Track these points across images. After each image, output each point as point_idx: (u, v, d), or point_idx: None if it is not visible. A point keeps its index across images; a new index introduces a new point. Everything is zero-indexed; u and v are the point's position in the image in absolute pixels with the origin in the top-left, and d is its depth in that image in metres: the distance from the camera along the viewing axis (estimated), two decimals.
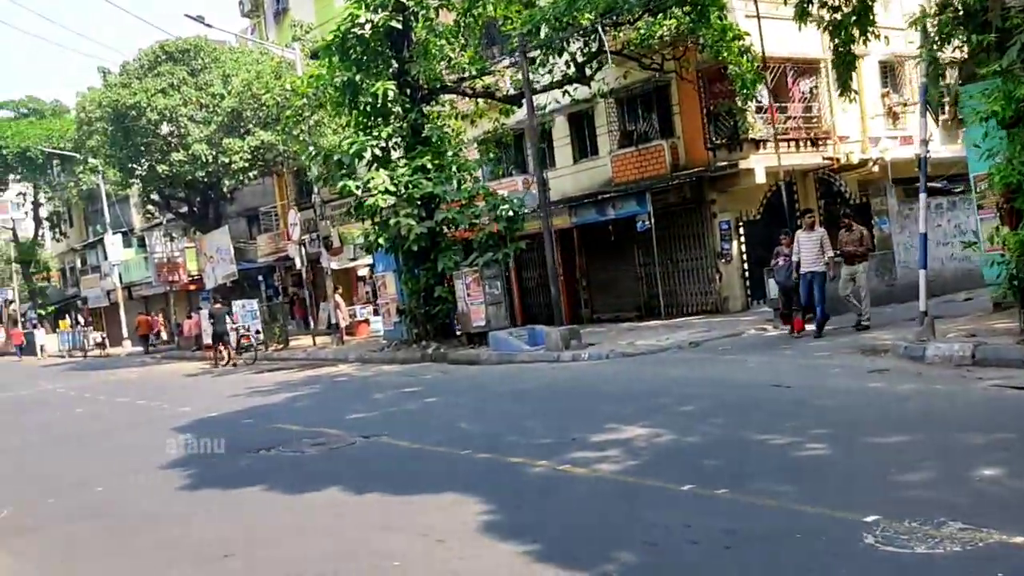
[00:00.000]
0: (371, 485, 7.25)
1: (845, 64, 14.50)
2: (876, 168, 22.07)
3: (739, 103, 19.57)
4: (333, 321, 25.82)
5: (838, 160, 21.43)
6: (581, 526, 5.53)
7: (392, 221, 18.32)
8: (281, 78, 26.29)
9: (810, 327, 14.09)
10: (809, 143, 21.13)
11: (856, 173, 21.77)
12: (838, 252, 14.38)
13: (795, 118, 20.64)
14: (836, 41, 14.44)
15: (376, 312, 28.53)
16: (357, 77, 18.24)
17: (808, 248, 14.06)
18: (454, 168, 18.61)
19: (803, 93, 21.14)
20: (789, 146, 20.80)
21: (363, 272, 32.32)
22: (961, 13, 9.40)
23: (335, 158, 19.45)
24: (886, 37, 15.54)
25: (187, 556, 6.00)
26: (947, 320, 13.61)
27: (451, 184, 18.51)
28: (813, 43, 21.16)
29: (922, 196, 11.42)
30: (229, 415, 13.08)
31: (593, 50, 19.80)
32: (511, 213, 18.12)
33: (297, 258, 25.70)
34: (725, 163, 20.05)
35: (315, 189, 25.69)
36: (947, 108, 15.31)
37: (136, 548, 6.41)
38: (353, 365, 19.88)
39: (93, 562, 6.21)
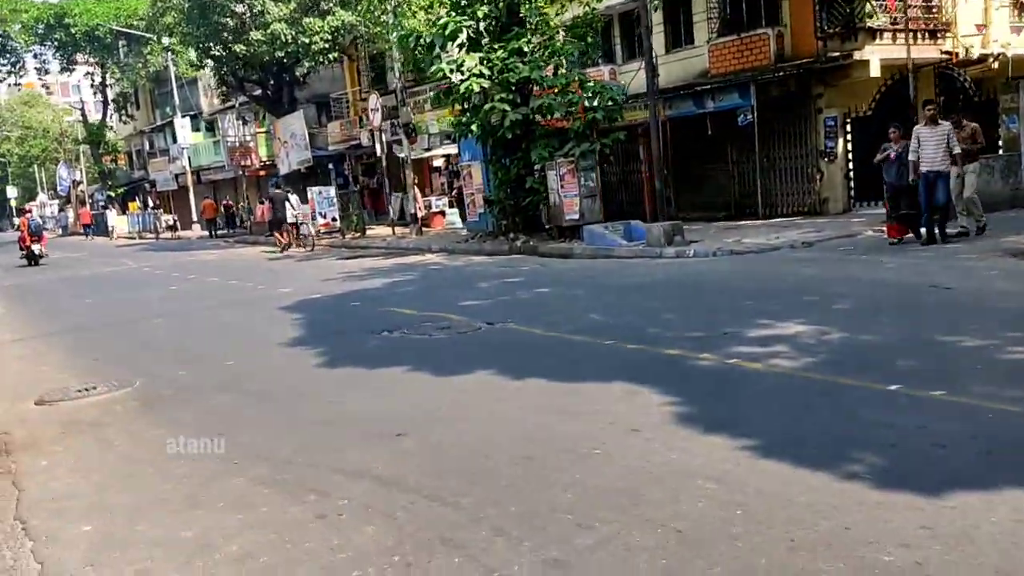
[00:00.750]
0: (524, 370, 6.87)
1: None
2: (996, 64, 20.64)
3: None
4: (412, 211, 25.45)
5: (956, 55, 20.03)
6: (793, 423, 5.09)
7: (486, 106, 17.60)
8: None
9: (909, 234, 13.04)
10: (927, 35, 19.73)
11: (976, 69, 20.34)
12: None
13: (914, 7, 19.20)
14: None
15: (452, 204, 28.15)
16: None
17: (932, 144, 12.64)
18: (551, 52, 17.70)
19: None
20: (907, 37, 19.46)
21: (438, 163, 31.75)
22: None
23: (426, 39, 18.66)
24: None
25: (355, 434, 5.72)
26: None
27: (547, 69, 17.64)
28: None
29: None
30: (333, 297, 12.87)
31: None
32: (611, 101, 17.27)
33: (377, 145, 25.18)
34: (837, 53, 18.80)
35: (396, 74, 24.94)
36: None
37: (298, 422, 6.15)
38: (439, 255, 19.55)
39: (259, 433, 5.95)
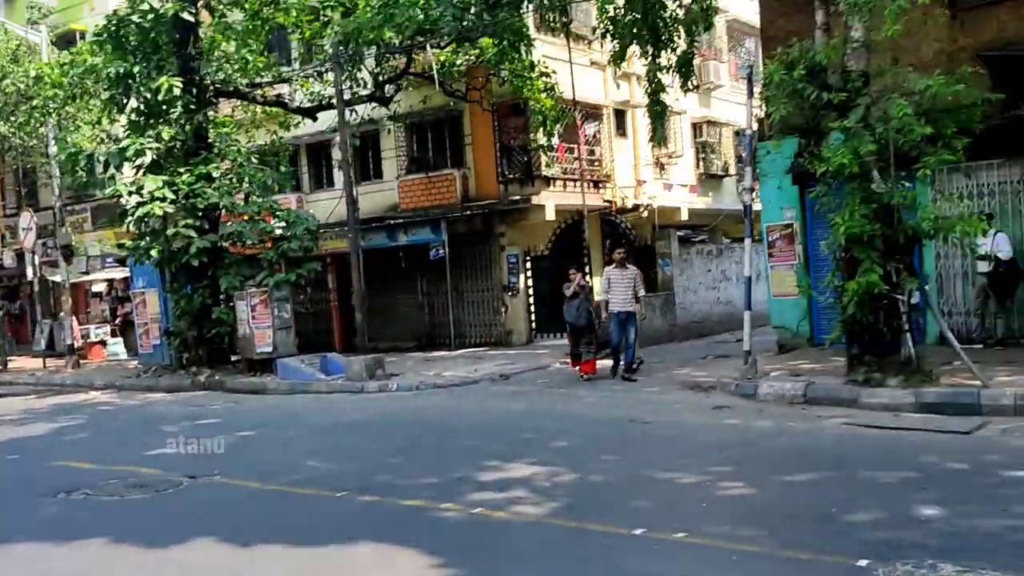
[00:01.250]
0: (252, 534, 6.16)
1: (658, 113, 15.12)
2: (645, 213, 23.42)
3: (534, 139, 19.94)
4: (67, 341, 22.76)
5: (615, 203, 22.46)
6: None
7: (169, 232, 16.45)
8: (19, 62, 23.02)
9: (602, 365, 13.74)
10: (592, 185, 21.95)
11: (632, 216, 22.89)
12: None
13: (581, 159, 21.34)
14: (649, 88, 15.05)
15: (115, 333, 25.68)
16: (135, 69, 16.27)
17: (622, 286, 13.43)
18: (244, 179, 17.11)
19: (587, 136, 21.93)
20: (576, 186, 21.49)
21: (99, 287, 28.96)
22: (804, 73, 10.01)
23: (99, 158, 17.22)
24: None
25: None
26: (738, 359, 14.51)
27: (237, 196, 16.97)
28: (598, 90, 22.22)
29: (747, 241, 12.04)
30: None
31: (398, 71, 19.28)
32: (306, 231, 16.96)
33: (30, 268, 22.43)
34: (518, 197, 20.25)
35: (56, 191, 22.61)
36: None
37: None
38: (107, 392, 17.53)
39: None
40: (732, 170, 27.38)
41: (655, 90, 14.88)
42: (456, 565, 5.24)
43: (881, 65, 10.37)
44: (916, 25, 9.80)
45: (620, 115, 23.43)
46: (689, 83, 13.96)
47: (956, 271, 13.00)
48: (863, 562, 4.82)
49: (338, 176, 24.07)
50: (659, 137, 15.83)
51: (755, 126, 12.57)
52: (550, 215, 20.34)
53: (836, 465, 7.16)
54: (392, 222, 20.92)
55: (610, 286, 13.41)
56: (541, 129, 19.28)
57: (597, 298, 13.69)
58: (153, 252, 16.79)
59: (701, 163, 26.53)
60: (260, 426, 11.41)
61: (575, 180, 21.34)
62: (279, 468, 8.55)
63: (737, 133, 27.58)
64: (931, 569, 4.66)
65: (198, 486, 8.00)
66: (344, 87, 19.22)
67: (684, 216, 25.02)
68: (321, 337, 23.59)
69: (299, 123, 21.58)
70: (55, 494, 7.98)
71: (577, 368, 13.80)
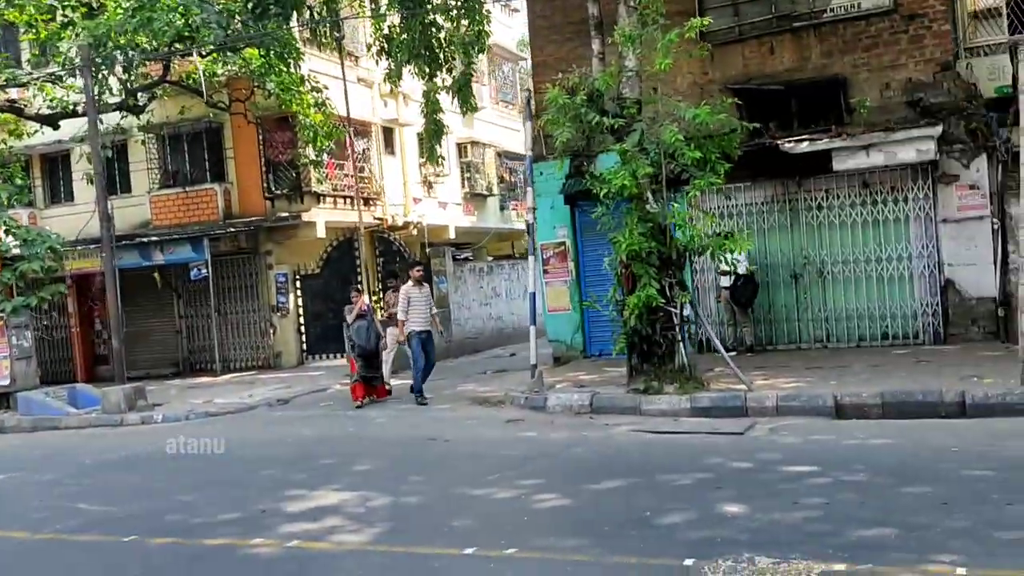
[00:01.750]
0: None
1: (434, 132, 15.23)
2: (415, 231, 23.51)
3: (303, 154, 19.41)
4: None
5: (386, 220, 22.34)
6: None
7: None
8: None
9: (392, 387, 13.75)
10: (364, 202, 21.69)
11: (403, 233, 22.86)
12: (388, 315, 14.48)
13: (351, 176, 21.05)
14: (426, 108, 15.16)
15: None
16: None
17: (421, 305, 12.94)
18: None
19: (357, 154, 21.66)
20: (346, 202, 21.16)
21: None
22: (585, 99, 10.54)
23: None
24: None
25: None
26: (516, 373, 14.95)
27: None
28: (366, 107, 22.04)
29: (531, 258, 12.41)
30: None
31: (151, 78, 18.02)
32: (50, 251, 15.37)
33: None
34: (287, 214, 19.59)
35: None
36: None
37: None
38: None
39: None
40: (495, 190, 28.20)
41: (432, 110, 15.00)
42: None
43: (651, 94, 11.14)
44: (677, 59, 10.59)
45: (388, 133, 23.40)
46: (469, 104, 14.17)
47: (709, 285, 14.21)
48: (689, 561, 5.08)
49: (79, 190, 22.10)
50: (434, 156, 15.95)
51: (531, 148, 12.98)
52: (321, 232, 19.86)
53: (635, 471, 7.50)
54: (146, 240, 19.43)
55: (410, 305, 12.81)
56: (311, 144, 18.79)
57: (398, 317, 12.99)
58: None
59: (466, 182, 27.07)
60: (8, 470, 10.13)
61: (346, 197, 21.04)
62: (46, 515, 7.65)
63: (499, 154, 28.51)
64: (750, 562, 5.00)
65: None
66: (96, 92, 17.73)
67: (452, 235, 25.39)
68: (61, 366, 21.54)
69: (35, 131, 19.60)
70: None
71: (362, 397, 12.89)
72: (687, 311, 10.54)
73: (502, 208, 28.79)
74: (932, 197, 12.76)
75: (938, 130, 11.97)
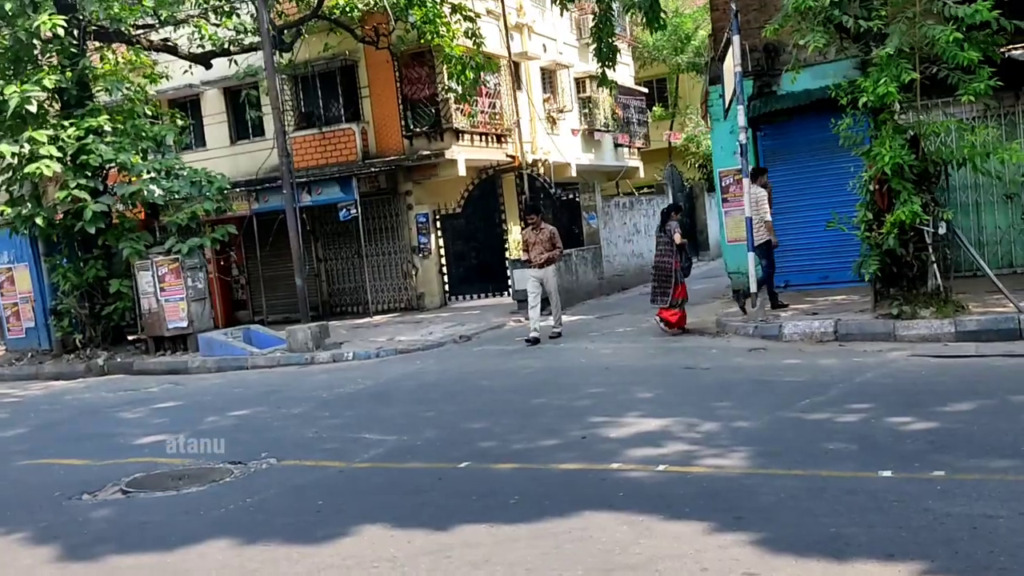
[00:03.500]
0: (414, 519, 5.14)
1: (607, 54, 14.47)
2: (542, 169, 22.92)
3: (445, 89, 18.88)
4: None
5: (517, 158, 21.78)
6: (937, 535, 4.35)
7: (60, 195, 14.18)
8: None
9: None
10: (496, 139, 21.18)
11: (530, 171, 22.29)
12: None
13: (485, 112, 20.50)
14: (597, 30, 14.41)
15: None
16: (7, 6, 13.76)
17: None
18: (138, 133, 14.99)
19: (489, 89, 21.06)
20: (483, 140, 20.65)
21: None
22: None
23: None
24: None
25: None
26: (692, 307, 14.40)
27: (136, 152, 14.83)
28: (494, 40, 21.35)
29: (746, 181, 11.73)
30: None
31: (297, 15, 17.60)
32: (219, 191, 15.16)
33: None
34: (428, 152, 19.12)
35: None
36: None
37: None
38: None
39: None
40: (612, 126, 27.42)
41: (605, 31, 14.27)
42: (752, 528, 4.52)
43: None
44: None
45: (515, 68, 22.71)
46: (656, 19, 13.34)
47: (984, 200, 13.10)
48: None
49: (210, 136, 21.97)
50: (607, 82, 15.24)
51: (739, 63, 12.22)
52: (461, 170, 19.40)
53: (969, 394, 6.91)
54: (299, 180, 19.14)
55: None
56: (455, 79, 18.21)
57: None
58: (38, 220, 14.43)
59: (584, 119, 26.34)
60: (242, 405, 9.95)
61: (483, 134, 20.52)
62: (336, 445, 7.39)
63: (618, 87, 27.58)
64: None
65: (262, 472, 6.73)
66: (238, 33, 17.42)
67: (573, 172, 24.77)
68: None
69: (165, 75, 19.33)
70: (77, 495, 6.48)
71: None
72: (942, 230, 9.84)
73: (616, 145, 28.04)
74: None
75: None
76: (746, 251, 14.60)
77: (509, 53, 20.58)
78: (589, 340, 12.02)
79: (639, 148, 29.66)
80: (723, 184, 14.83)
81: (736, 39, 11.66)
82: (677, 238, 11.82)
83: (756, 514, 4.71)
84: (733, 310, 12.67)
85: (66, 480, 7.07)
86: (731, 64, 12.04)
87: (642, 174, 29.72)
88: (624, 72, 28.79)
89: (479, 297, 19.48)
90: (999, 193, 12.80)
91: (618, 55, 15.18)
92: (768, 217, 12.03)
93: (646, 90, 30.55)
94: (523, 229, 13.37)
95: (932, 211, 9.73)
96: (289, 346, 13.72)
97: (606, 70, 14.73)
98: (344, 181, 18.60)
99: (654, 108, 31.32)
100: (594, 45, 14.60)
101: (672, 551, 4.31)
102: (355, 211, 18.22)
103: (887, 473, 5.17)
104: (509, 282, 19.20)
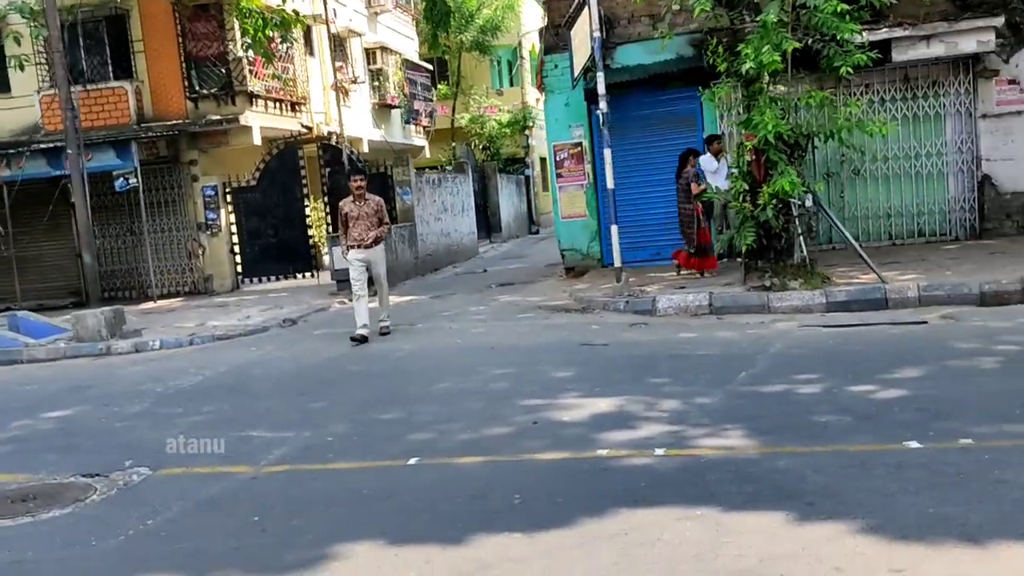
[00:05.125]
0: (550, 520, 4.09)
1: (439, 18, 13.55)
2: (335, 140, 21.46)
3: (238, 45, 16.99)
4: None
5: (310, 128, 20.23)
6: None
7: None
8: None
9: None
10: (290, 107, 19.49)
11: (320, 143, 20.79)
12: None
13: (279, 78, 18.75)
14: None
15: None
16: None
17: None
18: None
19: (280, 53, 19.28)
20: (278, 107, 18.89)
21: None
22: None
23: None
24: None
25: None
26: (524, 285, 14.01)
27: None
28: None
29: (607, 151, 11.25)
30: None
31: None
32: None
33: None
34: (218, 117, 17.11)
35: None
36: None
37: None
38: None
39: None
40: (401, 101, 26.33)
41: None
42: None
43: None
44: None
45: (307, 32, 21.02)
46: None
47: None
48: None
49: None
50: (437, 46, 14.32)
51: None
52: (256, 139, 17.57)
53: (897, 362, 6.82)
54: (54, 145, 16.36)
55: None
56: (249, 35, 16.39)
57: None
58: None
59: (375, 92, 25.06)
60: (57, 406, 8.00)
61: (279, 100, 18.79)
62: (226, 448, 5.97)
63: (403, 63, 26.51)
64: None
65: (140, 486, 5.23)
66: None
67: (365, 148, 23.46)
68: None
69: None
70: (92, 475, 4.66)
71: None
72: (809, 202, 9.95)
73: (406, 122, 27.00)
74: (972, 92, 12.86)
75: (1000, 20, 11.94)
76: (579, 228, 14.45)
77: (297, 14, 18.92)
78: (448, 321, 11.05)
79: (424, 127, 28.81)
80: (557, 159, 14.42)
81: (594, 2, 11.18)
82: (694, 188, 11.49)
83: (826, 499, 4.12)
84: (581, 286, 12.28)
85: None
86: (586, 29, 11.57)
87: (427, 154, 28.89)
88: (409, 47, 27.81)
89: (278, 279, 17.78)
90: (819, 172, 13.37)
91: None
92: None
93: (431, 67, 29.72)
94: (344, 200, 10.64)
95: (805, 182, 9.81)
96: (76, 334, 11.54)
97: (437, 33, 13.79)
98: (121, 146, 16.17)
99: (438, 86, 30.53)
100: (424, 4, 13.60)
101: (779, 549, 3.61)
102: (134, 180, 15.85)
103: (913, 444, 4.80)
104: (315, 262, 17.74)
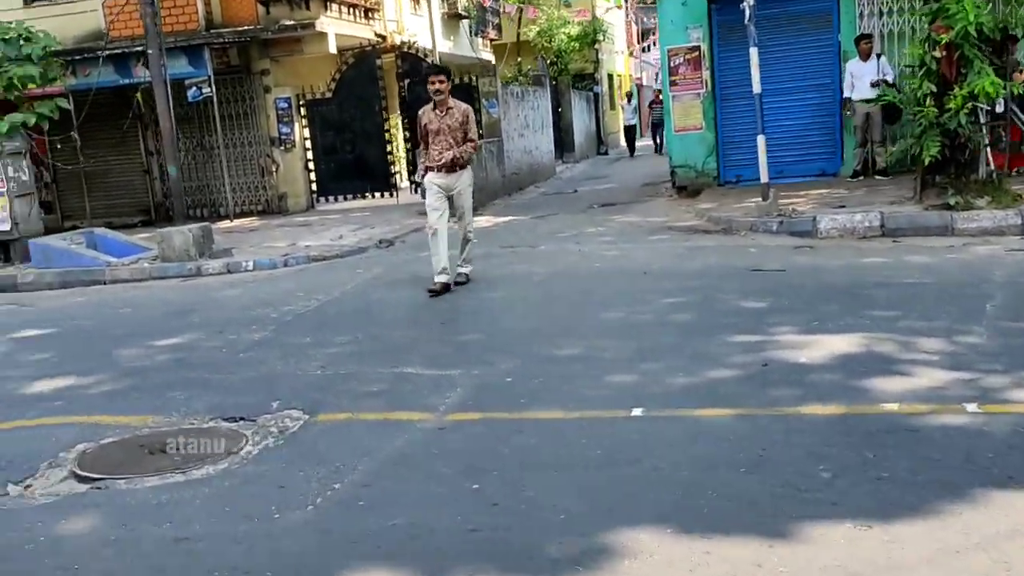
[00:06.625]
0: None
1: None
2: (413, 48, 20.13)
3: None
4: None
5: (384, 37, 18.91)
6: None
7: None
8: None
9: None
10: (364, 13, 18.17)
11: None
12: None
13: None
14: None
15: None
16: None
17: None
18: None
19: None
20: (352, 12, 17.59)
21: None
22: None
23: None
24: None
25: None
26: (629, 205, 12.87)
27: None
28: None
29: (753, 51, 9.86)
30: None
31: None
32: (43, 51, 11.48)
33: None
34: (291, 22, 15.86)
35: None
36: None
37: None
38: None
39: None
40: (471, 12, 24.81)
41: None
42: None
43: None
44: None
45: None
46: None
47: None
48: None
49: None
50: None
51: None
52: (331, 47, 16.31)
53: None
54: (123, 51, 15.30)
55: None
56: None
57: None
58: None
59: (445, 2, 23.55)
60: (160, 332, 7.06)
61: (352, 6, 17.45)
62: (385, 386, 4.99)
63: None
64: None
65: (300, 434, 4.26)
66: None
67: (437, 60, 22.08)
68: None
69: None
70: None
71: None
72: (999, 108, 8.58)
73: (474, 34, 25.50)
74: None
75: None
76: (694, 142, 13.15)
77: None
78: (572, 243, 9.92)
79: (491, 39, 27.30)
80: (671, 64, 13.03)
81: None
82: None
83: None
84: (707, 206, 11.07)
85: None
86: None
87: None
88: None
89: (355, 198, 16.72)
90: None
91: None
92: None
93: None
94: (424, 108, 8.07)
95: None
96: (162, 254, 10.62)
97: None
98: (193, 52, 15.05)
99: None
100: None
101: None
102: (208, 90, 14.77)
103: None
104: (393, 180, 16.64)
